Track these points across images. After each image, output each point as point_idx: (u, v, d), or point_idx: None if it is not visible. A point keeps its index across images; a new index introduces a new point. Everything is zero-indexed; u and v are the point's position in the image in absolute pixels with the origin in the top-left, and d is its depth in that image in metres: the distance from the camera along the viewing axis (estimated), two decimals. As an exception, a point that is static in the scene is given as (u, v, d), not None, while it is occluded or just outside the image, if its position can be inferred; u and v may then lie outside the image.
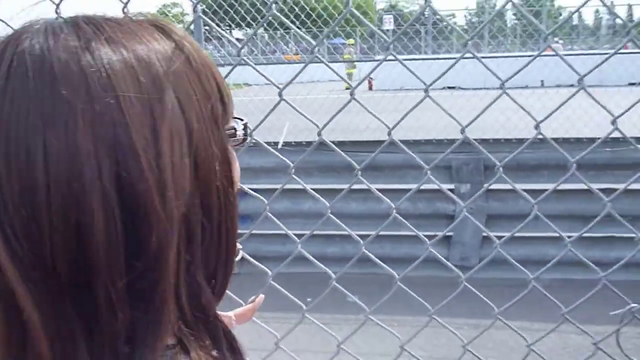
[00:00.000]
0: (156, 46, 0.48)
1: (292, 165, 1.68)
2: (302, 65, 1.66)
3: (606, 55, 1.64)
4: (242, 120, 0.58)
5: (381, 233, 3.78)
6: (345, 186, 3.61)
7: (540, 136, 1.70)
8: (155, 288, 0.45)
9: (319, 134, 1.65)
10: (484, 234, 3.66)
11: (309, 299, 1.86)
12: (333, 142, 3.68)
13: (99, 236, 0.42)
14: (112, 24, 0.48)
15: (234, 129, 0.56)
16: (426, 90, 1.62)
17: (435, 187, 3.67)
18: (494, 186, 3.70)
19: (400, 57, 1.79)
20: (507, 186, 3.57)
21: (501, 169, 1.77)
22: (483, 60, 1.70)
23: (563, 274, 3.54)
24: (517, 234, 3.68)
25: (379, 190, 3.74)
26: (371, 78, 16.21)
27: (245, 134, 0.59)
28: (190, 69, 0.49)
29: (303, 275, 3.39)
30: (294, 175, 1.69)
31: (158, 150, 0.44)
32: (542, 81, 11.82)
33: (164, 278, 0.45)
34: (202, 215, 0.48)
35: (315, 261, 1.82)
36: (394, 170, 3.59)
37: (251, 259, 1.65)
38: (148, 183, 0.43)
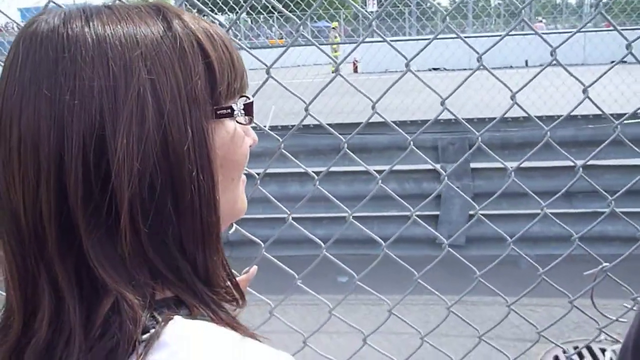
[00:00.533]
0: (143, 30, 0.52)
1: (281, 144, 1.68)
2: (287, 46, 1.66)
3: (580, 33, 1.66)
4: (248, 98, 0.61)
5: (369, 214, 3.84)
6: (333, 169, 3.63)
7: (518, 114, 1.72)
8: (114, 253, 0.50)
9: (306, 109, 1.66)
10: (471, 212, 3.71)
11: (300, 281, 1.89)
12: (319, 125, 3.69)
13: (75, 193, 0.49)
14: (109, 11, 0.53)
15: (231, 108, 0.57)
16: (407, 65, 1.62)
17: (422, 167, 3.71)
18: (480, 165, 3.77)
19: (383, 38, 1.80)
20: (493, 164, 3.63)
21: (480, 138, 1.79)
22: (466, 39, 1.72)
23: (547, 250, 3.61)
24: (503, 212, 3.75)
25: (367, 172, 3.77)
26: (356, 60, 16.17)
27: (247, 113, 0.60)
28: (175, 51, 0.52)
29: (293, 258, 3.42)
30: (284, 151, 1.70)
31: (115, 130, 0.49)
32: (526, 61, 11.87)
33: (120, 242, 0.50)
34: (172, 193, 0.51)
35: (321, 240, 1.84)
36: (381, 151, 3.61)
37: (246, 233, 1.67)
38: (102, 159, 0.49)
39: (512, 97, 1.72)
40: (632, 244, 3.51)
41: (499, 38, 1.68)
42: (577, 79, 1.69)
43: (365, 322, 2.92)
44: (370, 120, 1.86)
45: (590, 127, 3.38)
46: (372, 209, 3.67)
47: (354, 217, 3.73)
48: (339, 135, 1.78)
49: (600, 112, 3.41)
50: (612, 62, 1.75)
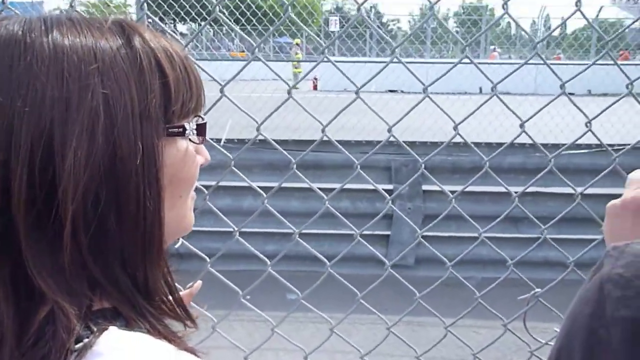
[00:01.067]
0: (102, 44, 0.52)
1: (232, 160, 1.68)
2: (246, 62, 1.66)
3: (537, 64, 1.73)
4: (201, 119, 0.62)
5: (321, 231, 3.85)
6: (287, 185, 3.63)
7: (460, 139, 1.78)
8: (53, 262, 0.50)
9: (258, 129, 1.66)
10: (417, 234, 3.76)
11: (248, 297, 1.87)
12: (275, 140, 3.70)
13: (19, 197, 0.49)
14: (70, 22, 0.53)
15: (183, 127, 0.58)
16: (357, 92, 1.65)
17: (372, 187, 3.75)
18: (431, 187, 3.84)
19: (343, 58, 1.83)
20: (444, 188, 3.71)
21: (423, 165, 1.85)
22: (424, 65, 1.76)
23: (494, 273, 3.69)
24: (451, 234, 3.83)
25: (320, 189, 3.79)
26: (315, 78, 16.30)
27: (199, 133, 0.61)
28: (132, 68, 0.53)
29: (245, 273, 3.38)
30: (234, 168, 1.69)
31: (63, 142, 0.49)
32: (480, 87, 12.25)
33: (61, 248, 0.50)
34: (116, 207, 0.51)
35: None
36: (335, 169, 3.64)
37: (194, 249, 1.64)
38: (49, 169, 0.49)
39: (455, 128, 1.77)
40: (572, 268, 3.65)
41: (459, 67, 1.73)
42: (515, 114, 1.75)
43: (313, 340, 2.90)
44: (326, 139, 1.88)
45: (537, 155, 3.51)
46: (325, 226, 3.68)
47: (306, 234, 3.74)
48: (287, 154, 1.79)
49: (546, 142, 3.55)
50: (571, 93, 1.84)
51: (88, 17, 0.55)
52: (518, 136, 1.83)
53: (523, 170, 3.61)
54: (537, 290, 1.84)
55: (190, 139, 0.60)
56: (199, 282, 0.83)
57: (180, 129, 0.58)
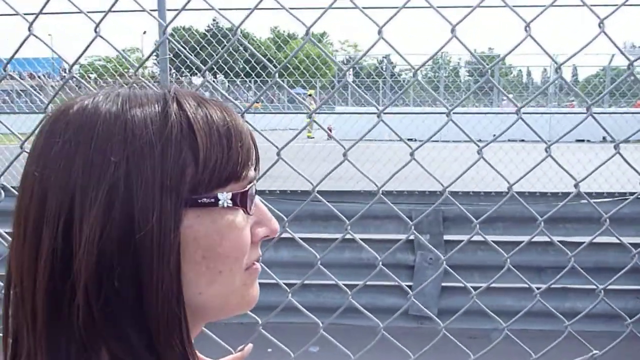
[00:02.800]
0: (136, 114, 0.53)
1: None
2: (262, 112, 1.68)
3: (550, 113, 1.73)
4: (244, 187, 0.58)
5: (344, 282, 3.79)
6: (310, 235, 3.60)
7: (490, 189, 1.76)
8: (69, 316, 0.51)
9: (278, 154, 1.63)
10: (443, 284, 3.71)
11: (269, 350, 1.83)
12: (294, 191, 3.71)
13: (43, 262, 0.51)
14: (106, 91, 0.56)
15: (215, 198, 0.55)
16: (344, 155, 1.62)
17: (395, 237, 3.73)
18: (452, 237, 3.80)
19: (357, 108, 1.85)
20: (466, 237, 3.67)
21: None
22: (434, 114, 1.77)
23: (520, 325, 3.60)
24: (474, 284, 3.75)
25: (344, 240, 3.75)
26: (330, 126, 16.47)
27: (236, 204, 0.57)
28: (161, 137, 0.52)
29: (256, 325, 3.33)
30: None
31: (82, 213, 0.50)
32: (494, 135, 12.26)
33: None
34: (130, 279, 0.51)
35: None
36: (357, 219, 3.62)
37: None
38: (69, 235, 0.50)
39: (479, 152, 1.74)
40: (614, 321, 3.55)
41: (475, 115, 1.74)
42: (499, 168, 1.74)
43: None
44: (346, 189, 1.88)
45: (558, 204, 3.47)
46: (347, 277, 3.64)
47: (327, 285, 3.69)
48: (279, 212, 1.78)
49: (568, 191, 3.51)
50: (580, 140, 1.83)
51: (139, 91, 0.56)
52: (519, 180, 1.80)
53: (547, 219, 3.56)
54: (595, 352, 1.78)
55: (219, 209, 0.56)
56: (250, 345, 0.81)
57: (212, 199, 0.54)
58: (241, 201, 0.57)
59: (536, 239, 3.57)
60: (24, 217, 0.52)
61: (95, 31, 1.23)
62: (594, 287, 3.59)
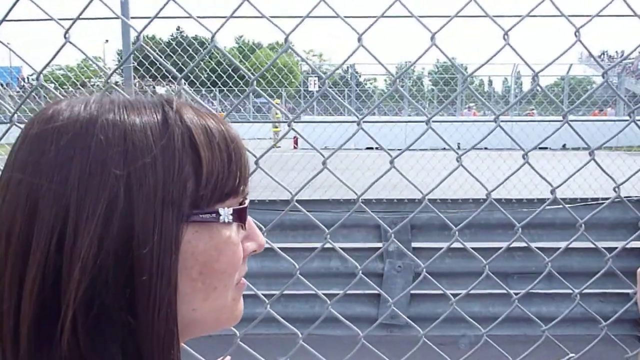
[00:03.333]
0: (135, 124, 0.50)
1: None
2: (242, 122, 1.66)
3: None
4: (243, 202, 0.58)
5: (311, 292, 3.77)
6: (279, 245, 3.58)
7: (457, 196, 1.78)
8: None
9: (256, 163, 1.61)
10: (412, 292, 3.72)
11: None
12: (262, 201, 3.68)
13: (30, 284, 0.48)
14: (106, 99, 0.53)
15: (216, 213, 0.54)
16: (323, 163, 1.62)
17: (364, 245, 3.74)
18: (421, 245, 3.83)
19: (323, 117, 1.84)
20: (434, 244, 3.71)
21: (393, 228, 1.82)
22: (400, 123, 1.78)
23: (494, 330, 3.64)
24: (441, 292, 3.78)
25: (309, 248, 3.75)
26: (296, 137, 16.46)
27: (236, 219, 0.56)
28: (163, 149, 0.50)
29: (228, 338, 3.28)
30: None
31: (77, 224, 0.47)
32: (458, 144, 12.48)
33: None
34: (124, 298, 0.49)
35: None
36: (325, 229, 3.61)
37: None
38: (61, 252, 0.47)
39: (458, 159, 1.74)
40: (566, 324, 3.62)
41: (441, 124, 1.75)
42: (471, 176, 1.77)
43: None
44: (314, 198, 1.87)
45: (524, 211, 3.54)
46: (315, 286, 3.62)
47: (296, 295, 3.67)
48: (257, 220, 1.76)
49: (532, 197, 3.59)
50: (543, 148, 1.87)
51: (132, 98, 0.54)
52: (498, 186, 1.83)
53: (512, 225, 3.62)
54: (571, 355, 1.80)
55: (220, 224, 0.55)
56: (228, 358, 0.79)
57: (213, 215, 0.53)
58: (241, 216, 0.57)
59: (501, 245, 3.63)
60: (5, 228, 0.49)
61: (65, 37, 1.19)
62: (558, 291, 3.68)
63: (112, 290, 0.47)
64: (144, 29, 1.25)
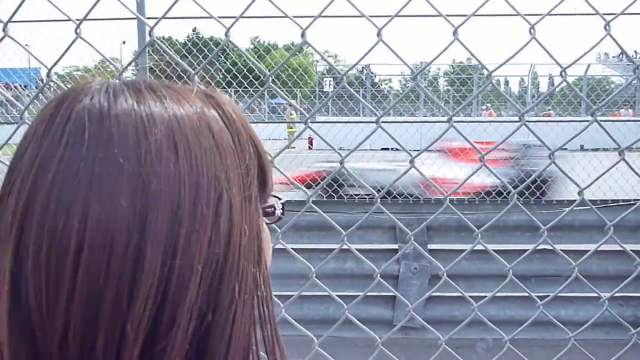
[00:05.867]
0: (208, 115, 0.47)
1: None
2: (264, 122, 1.64)
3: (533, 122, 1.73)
4: (279, 199, 0.58)
5: (325, 293, 3.76)
6: (293, 245, 3.56)
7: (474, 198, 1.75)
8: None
9: (271, 162, 1.60)
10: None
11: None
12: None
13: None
14: (169, 92, 0.47)
15: (273, 207, 0.55)
16: (341, 163, 1.58)
17: (380, 247, 3.71)
18: (437, 246, 3.79)
19: (338, 118, 1.82)
20: (450, 246, 3.66)
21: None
22: (416, 123, 1.75)
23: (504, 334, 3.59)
24: (459, 295, 3.74)
25: (324, 250, 3.73)
26: (311, 137, 16.45)
27: (282, 213, 0.58)
28: (235, 144, 0.48)
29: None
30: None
31: (191, 228, 0.43)
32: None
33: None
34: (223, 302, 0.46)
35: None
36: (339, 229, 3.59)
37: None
38: (156, 260, 0.41)
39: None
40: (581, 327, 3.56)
41: (459, 124, 1.72)
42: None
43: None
44: (330, 199, 1.85)
45: (544, 212, 3.48)
46: (330, 288, 3.60)
47: (311, 296, 3.64)
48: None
49: (551, 199, 3.54)
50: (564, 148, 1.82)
51: (177, 88, 0.49)
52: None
53: (530, 227, 3.58)
54: None
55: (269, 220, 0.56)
56: None
57: (272, 209, 0.55)
58: (284, 211, 0.58)
59: (519, 247, 3.58)
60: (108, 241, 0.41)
61: (76, 32, 1.18)
62: (576, 295, 3.62)
63: (215, 298, 0.44)
64: (155, 25, 1.24)
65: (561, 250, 3.67)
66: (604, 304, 1.77)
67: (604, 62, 22.97)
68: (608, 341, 3.50)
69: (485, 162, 1.50)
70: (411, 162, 1.51)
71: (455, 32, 1.27)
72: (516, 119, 1.82)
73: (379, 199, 1.54)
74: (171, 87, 0.49)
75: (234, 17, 1.25)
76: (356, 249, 3.71)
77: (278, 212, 0.56)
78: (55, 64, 1.24)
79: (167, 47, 1.53)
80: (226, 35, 1.23)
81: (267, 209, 0.54)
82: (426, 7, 1.22)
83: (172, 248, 0.41)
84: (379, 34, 1.27)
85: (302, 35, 1.26)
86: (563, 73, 1.37)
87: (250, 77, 7.19)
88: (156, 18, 1.34)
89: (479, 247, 3.20)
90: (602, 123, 1.56)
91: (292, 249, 3.87)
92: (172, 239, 0.41)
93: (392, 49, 1.29)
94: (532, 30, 1.30)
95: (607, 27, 1.29)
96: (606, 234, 1.79)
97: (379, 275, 1.64)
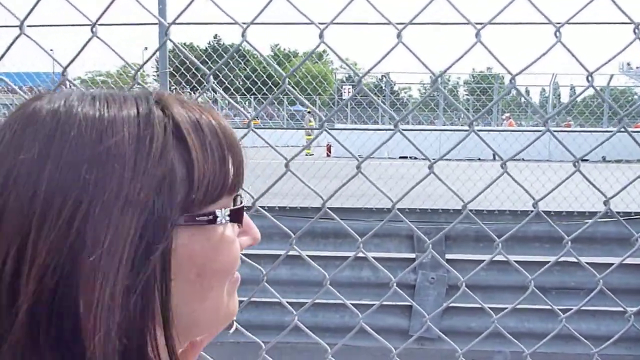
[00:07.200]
0: (114, 122, 0.47)
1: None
2: (262, 129, 1.64)
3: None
4: (237, 202, 0.56)
5: (340, 302, 3.73)
6: (309, 252, 3.55)
7: (493, 207, 1.72)
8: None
9: (286, 166, 1.57)
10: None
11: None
12: (293, 208, 3.66)
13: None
14: (112, 97, 0.50)
15: (213, 215, 0.52)
16: (358, 167, 1.57)
17: (396, 255, 3.68)
18: (455, 256, 3.75)
19: (355, 125, 1.81)
20: (468, 256, 3.62)
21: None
22: (435, 132, 1.73)
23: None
24: (476, 306, 3.70)
25: (340, 257, 3.71)
26: (329, 144, 16.46)
27: (234, 220, 0.54)
28: (142, 149, 0.47)
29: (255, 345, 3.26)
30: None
31: (38, 232, 0.45)
32: (493, 155, 12.29)
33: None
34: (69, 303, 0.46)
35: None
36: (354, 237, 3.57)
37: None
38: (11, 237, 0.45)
39: (503, 165, 1.67)
40: (602, 342, 3.49)
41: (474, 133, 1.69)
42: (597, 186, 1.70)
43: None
44: (346, 206, 1.84)
45: (563, 224, 3.43)
46: (345, 296, 3.58)
47: (326, 304, 3.62)
48: (288, 230, 1.72)
49: (572, 210, 3.48)
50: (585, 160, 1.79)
51: (115, 91, 0.51)
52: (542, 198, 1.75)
53: (549, 238, 3.52)
54: None
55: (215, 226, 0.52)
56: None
57: (210, 217, 0.51)
58: (237, 216, 0.55)
59: (537, 259, 3.53)
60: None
61: (92, 31, 1.19)
62: (598, 308, 3.54)
63: (58, 299, 0.45)
64: (173, 21, 1.24)
65: (578, 262, 3.61)
66: (630, 318, 1.73)
67: (627, 73, 22.65)
68: (628, 357, 3.43)
69: (506, 170, 1.48)
70: (430, 167, 1.49)
71: (477, 35, 1.25)
72: (537, 128, 1.80)
73: (395, 207, 1.52)
74: (110, 94, 0.50)
75: (254, 23, 1.26)
76: (373, 258, 3.69)
77: (222, 219, 0.52)
78: (70, 63, 1.25)
79: (186, 50, 1.53)
80: (242, 36, 1.23)
81: (200, 217, 0.50)
82: (446, 14, 1.21)
83: (26, 227, 0.44)
84: (398, 36, 1.26)
85: (320, 36, 1.26)
86: (589, 78, 1.34)
87: (270, 83, 7.22)
88: (177, 24, 1.34)
89: (498, 257, 3.16)
90: (625, 134, 1.53)
91: (308, 256, 3.88)
92: (27, 220, 0.44)
93: (412, 50, 1.28)
94: (557, 34, 1.28)
95: (636, 30, 1.26)
96: (627, 247, 1.75)
97: (395, 284, 1.62)
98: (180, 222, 0.49)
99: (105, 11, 1.19)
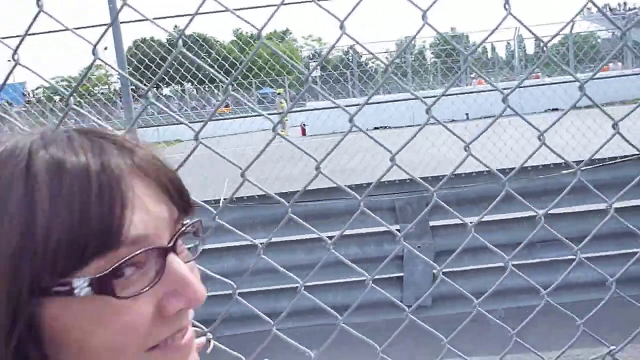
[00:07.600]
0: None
1: (215, 216, 1.60)
2: (232, 116, 1.61)
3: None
4: (110, 267, 0.44)
5: (333, 280, 3.74)
6: (291, 238, 3.53)
7: (470, 170, 1.71)
8: None
9: (242, 175, 1.56)
10: (434, 272, 3.67)
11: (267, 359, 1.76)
12: (275, 193, 3.62)
13: None
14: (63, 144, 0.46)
15: (71, 286, 0.43)
16: (351, 120, 1.56)
17: (382, 229, 3.68)
18: (438, 223, 3.76)
19: (326, 103, 1.79)
20: (451, 221, 3.64)
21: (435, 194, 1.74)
22: (407, 97, 1.71)
23: (514, 302, 3.59)
24: (464, 268, 3.73)
25: (328, 237, 3.69)
26: (304, 124, 16.39)
27: (100, 291, 0.44)
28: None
29: (250, 336, 3.26)
30: (232, 228, 1.61)
31: None
32: (467, 114, 12.35)
33: None
34: None
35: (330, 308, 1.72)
36: (339, 216, 3.56)
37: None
38: None
39: (466, 148, 1.68)
40: (593, 289, 3.55)
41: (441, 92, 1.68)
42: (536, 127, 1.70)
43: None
44: (327, 185, 1.81)
45: (540, 178, 3.45)
46: (335, 275, 3.58)
47: (315, 286, 3.61)
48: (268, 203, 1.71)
49: (548, 163, 3.51)
50: (549, 109, 1.79)
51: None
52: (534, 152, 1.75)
53: (527, 193, 3.54)
54: (612, 347, 1.74)
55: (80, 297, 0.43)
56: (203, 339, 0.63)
57: (66, 288, 0.42)
58: (104, 286, 0.43)
59: (521, 214, 3.56)
60: None
61: (38, 5, 1.10)
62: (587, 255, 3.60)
63: None
64: (122, 7, 1.18)
65: (560, 213, 3.65)
66: (611, 285, 1.75)
67: (588, 18, 22.82)
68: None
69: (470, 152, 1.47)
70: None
71: (424, 17, 1.23)
72: (504, 85, 1.79)
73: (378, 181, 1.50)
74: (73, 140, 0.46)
75: (211, 12, 1.21)
76: (358, 234, 3.70)
77: (80, 291, 0.43)
78: (20, 42, 1.16)
79: (144, 46, 1.47)
80: (178, 40, 1.18)
81: (56, 289, 0.43)
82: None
83: None
84: (341, 27, 1.24)
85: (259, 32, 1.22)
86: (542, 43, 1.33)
87: (232, 70, 7.11)
88: (133, 22, 1.29)
89: (486, 218, 3.17)
90: (593, 80, 1.52)
91: (293, 240, 3.84)
92: None
93: (356, 37, 1.25)
94: (506, 6, 1.27)
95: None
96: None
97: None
98: (36, 292, 0.42)
99: None
